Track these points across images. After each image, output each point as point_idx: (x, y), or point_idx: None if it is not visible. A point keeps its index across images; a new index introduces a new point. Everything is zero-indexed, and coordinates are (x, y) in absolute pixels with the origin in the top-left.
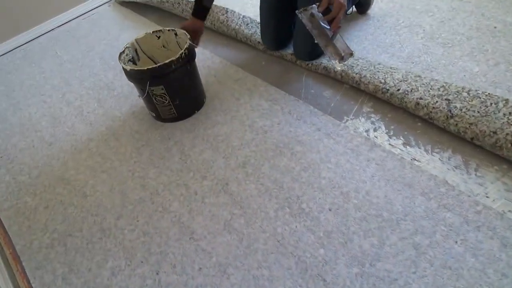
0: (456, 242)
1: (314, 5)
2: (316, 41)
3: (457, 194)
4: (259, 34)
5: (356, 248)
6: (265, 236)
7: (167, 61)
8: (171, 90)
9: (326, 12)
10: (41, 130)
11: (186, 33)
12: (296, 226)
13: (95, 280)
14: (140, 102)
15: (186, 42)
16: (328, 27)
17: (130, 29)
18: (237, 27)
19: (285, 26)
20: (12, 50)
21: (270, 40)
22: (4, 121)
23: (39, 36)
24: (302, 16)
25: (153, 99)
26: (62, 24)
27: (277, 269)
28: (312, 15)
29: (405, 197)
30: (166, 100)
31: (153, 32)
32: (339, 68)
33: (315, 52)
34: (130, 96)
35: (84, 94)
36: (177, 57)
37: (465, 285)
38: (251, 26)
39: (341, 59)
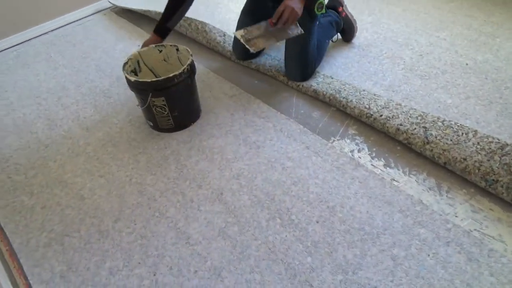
0: (429, 255)
1: (263, 22)
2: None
3: (430, 212)
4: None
5: (341, 257)
6: (257, 243)
7: (170, 75)
8: (171, 102)
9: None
10: (36, 132)
11: (188, 49)
12: (286, 236)
13: (94, 279)
14: (138, 111)
15: (188, 58)
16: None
17: (126, 40)
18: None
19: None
20: (3, 50)
21: (239, 49)
22: None
23: (32, 39)
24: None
25: (153, 109)
26: (56, 29)
27: (268, 274)
28: (245, 32)
29: (385, 213)
30: (166, 111)
31: (155, 46)
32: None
33: (306, 73)
34: (127, 104)
35: (80, 100)
36: (180, 71)
37: None
38: None
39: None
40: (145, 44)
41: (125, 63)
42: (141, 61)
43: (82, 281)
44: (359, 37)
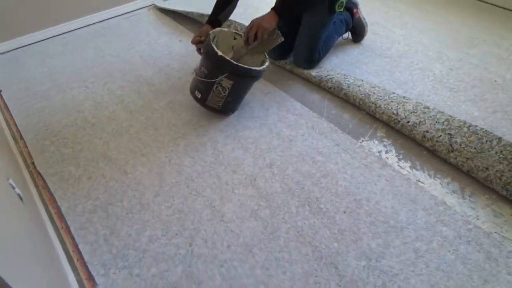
0: (449, 251)
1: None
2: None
3: (453, 213)
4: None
5: (365, 246)
6: (286, 226)
7: (258, 68)
8: (235, 88)
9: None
10: (83, 111)
11: (266, 54)
12: (314, 222)
13: (134, 244)
14: (179, 99)
15: (265, 61)
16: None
17: (168, 35)
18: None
19: (287, 39)
20: (53, 37)
21: (274, 50)
22: (47, 100)
23: (79, 28)
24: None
25: (215, 86)
26: (104, 20)
27: (296, 254)
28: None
29: (409, 210)
30: (224, 93)
31: (235, 32)
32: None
33: (311, 61)
34: (168, 93)
35: (125, 86)
36: (262, 68)
37: (454, 285)
38: None
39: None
40: (201, 34)
41: (212, 37)
42: (216, 39)
43: (123, 245)
44: (391, 48)
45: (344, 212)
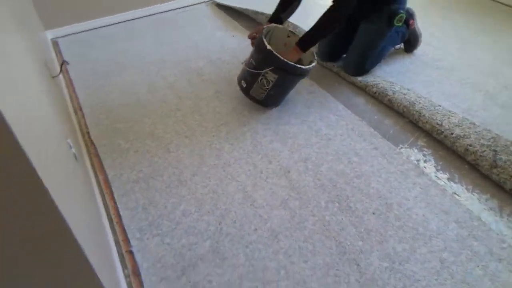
0: (478, 266)
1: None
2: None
3: (488, 230)
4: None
5: (390, 248)
6: (314, 219)
7: (305, 66)
8: (279, 83)
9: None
10: (138, 93)
11: (314, 52)
12: (342, 219)
13: (169, 215)
14: (225, 89)
15: (312, 61)
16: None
17: (223, 30)
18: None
19: (339, 42)
20: (119, 23)
21: (323, 51)
22: (107, 79)
23: (142, 17)
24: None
25: (260, 77)
26: (164, 12)
27: (319, 247)
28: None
29: (441, 220)
30: (268, 86)
31: (290, 30)
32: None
33: (361, 69)
34: (217, 83)
35: (177, 73)
36: (304, 67)
37: None
38: None
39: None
40: (258, 30)
41: (266, 31)
42: (270, 34)
43: (159, 215)
44: (443, 60)
45: (373, 213)
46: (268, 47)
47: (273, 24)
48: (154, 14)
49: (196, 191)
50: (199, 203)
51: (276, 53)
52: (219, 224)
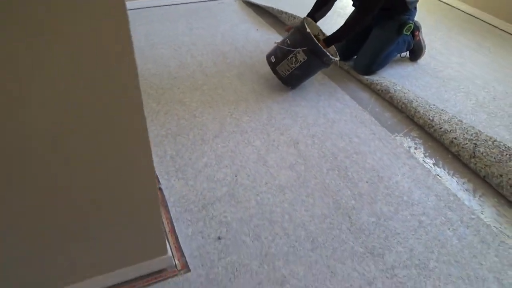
0: (449, 228)
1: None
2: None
3: (461, 204)
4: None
5: (378, 208)
6: (316, 181)
7: (329, 54)
8: (305, 64)
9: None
10: (169, 66)
11: (336, 51)
12: (339, 183)
13: (193, 165)
14: (248, 73)
15: (336, 57)
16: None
17: (248, 23)
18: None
19: (351, 44)
20: (156, 6)
21: (337, 51)
22: (142, 53)
23: (178, 4)
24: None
25: (290, 55)
26: (197, 2)
27: (319, 201)
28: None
29: (423, 193)
30: (295, 65)
31: (321, 29)
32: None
33: (370, 70)
34: (240, 66)
35: (204, 54)
36: (331, 57)
37: (445, 252)
38: None
39: None
40: (290, 28)
41: (306, 19)
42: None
43: (184, 164)
44: (443, 71)
45: (367, 182)
46: (308, 30)
47: (310, 19)
48: (190, 2)
49: (217, 149)
50: (219, 159)
51: (313, 38)
52: (235, 176)
